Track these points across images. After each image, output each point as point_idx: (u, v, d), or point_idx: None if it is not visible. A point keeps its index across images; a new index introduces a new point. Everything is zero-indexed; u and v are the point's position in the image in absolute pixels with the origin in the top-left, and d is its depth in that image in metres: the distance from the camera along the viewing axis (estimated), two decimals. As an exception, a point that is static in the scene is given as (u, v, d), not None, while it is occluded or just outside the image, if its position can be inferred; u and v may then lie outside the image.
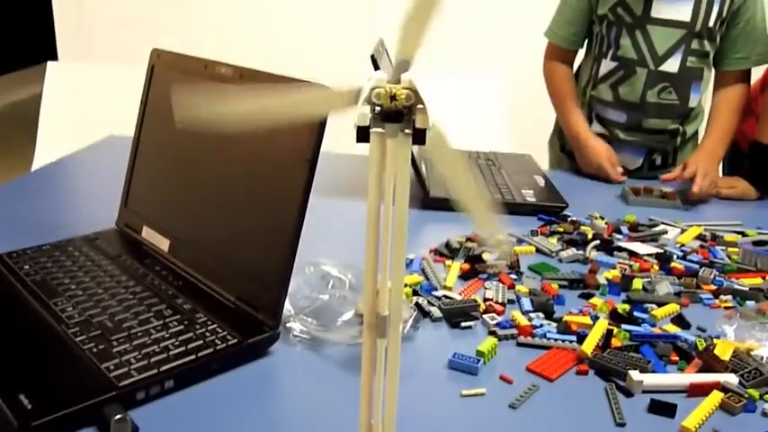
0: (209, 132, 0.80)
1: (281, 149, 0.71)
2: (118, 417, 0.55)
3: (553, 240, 1.04)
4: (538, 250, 1.01)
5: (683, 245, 1.07)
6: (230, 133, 0.77)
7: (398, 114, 0.36)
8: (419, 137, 0.36)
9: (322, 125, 0.67)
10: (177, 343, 0.65)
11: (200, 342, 0.66)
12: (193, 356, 0.64)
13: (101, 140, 1.41)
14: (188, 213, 0.82)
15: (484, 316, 0.79)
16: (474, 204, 0.38)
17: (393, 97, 0.35)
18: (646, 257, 1.00)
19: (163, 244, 0.84)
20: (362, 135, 0.36)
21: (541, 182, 1.31)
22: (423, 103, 0.35)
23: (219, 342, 0.66)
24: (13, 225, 0.98)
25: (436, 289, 0.85)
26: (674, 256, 1.01)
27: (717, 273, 0.95)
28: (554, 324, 0.78)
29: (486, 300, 0.83)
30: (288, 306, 0.73)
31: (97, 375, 0.60)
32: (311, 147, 0.67)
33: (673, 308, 0.84)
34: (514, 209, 1.18)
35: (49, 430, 0.54)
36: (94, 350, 0.63)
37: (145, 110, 0.92)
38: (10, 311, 0.71)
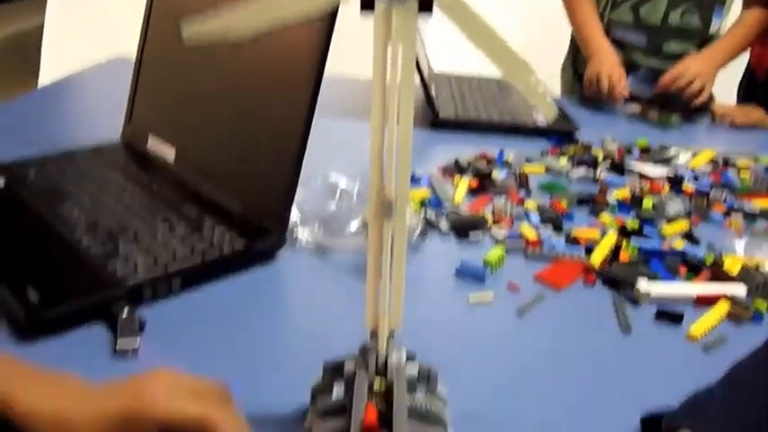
0: (213, 41, 0.78)
1: (287, 55, 0.69)
2: (125, 312, 0.56)
3: (564, 161, 1.03)
4: (547, 170, 1.00)
5: (694, 168, 1.06)
6: (235, 41, 0.75)
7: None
8: (426, 5, 0.34)
9: (328, 35, 0.65)
10: (183, 246, 0.65)
11: (207, 245, 0.66)
12: (200, 259, 0.64)
13: (105, 61, 1.39)
14: (193, 123, 0.81)
15: (492, 228, 0.78)
16: (518, 74, 0.36)
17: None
18: (657, 179, 0.99)
19: (168, 154, 0.83)
20: (367, 2, 0.35)
21: (553, 106, 1.29)
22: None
23: (226, 246, 0.66)
24: (18, 139, 0.97)
25: (444, 203, 0.85)
26: (686, 178, 1.00)
27: (728, 194, 0.94)
28: (562, 237, 0.78)
29: (494, 213, 0.82)
30: (295, 215, 0.73)
31: (105, 273, 0.60)
32: (318, 52, 0.65)
33: (682, 225, 0.83)
34: (525, 131, 1.16)
35: (56, 323, 0.55)
36: (102, 251, 0.63)
37: (148, 21, 0.90)
38: (17, 217, 0.71)
